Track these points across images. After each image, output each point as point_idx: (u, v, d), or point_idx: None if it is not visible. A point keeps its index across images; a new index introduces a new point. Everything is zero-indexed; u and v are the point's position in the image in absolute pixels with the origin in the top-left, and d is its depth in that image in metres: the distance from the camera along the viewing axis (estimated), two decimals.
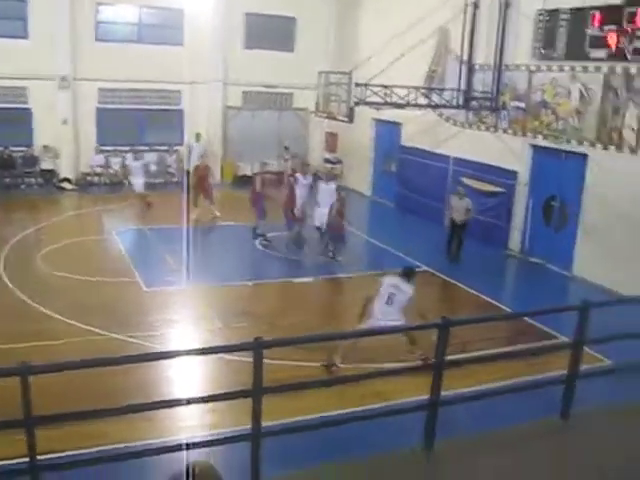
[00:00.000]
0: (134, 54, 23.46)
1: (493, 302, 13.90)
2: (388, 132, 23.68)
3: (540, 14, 16.74)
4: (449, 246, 16.81)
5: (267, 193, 17.87)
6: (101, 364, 6.86)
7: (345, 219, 16.45)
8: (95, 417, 6.54)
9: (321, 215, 16.88)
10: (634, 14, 14.32)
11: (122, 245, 16.93)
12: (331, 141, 27.32)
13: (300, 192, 17.40)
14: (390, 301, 9.77)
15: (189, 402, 6.73)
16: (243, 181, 24.95)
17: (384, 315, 9.70)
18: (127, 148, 24.48)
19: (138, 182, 20.67)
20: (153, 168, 24.90)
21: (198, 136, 24.59)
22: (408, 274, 10.15)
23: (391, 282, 9.99)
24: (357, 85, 16.52)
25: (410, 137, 22.26)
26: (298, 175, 17.77)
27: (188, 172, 20.65)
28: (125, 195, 21.74)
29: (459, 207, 16.48)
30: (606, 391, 8.80)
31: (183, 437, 7.45)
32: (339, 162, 26.72)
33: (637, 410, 8.18)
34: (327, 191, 17.09)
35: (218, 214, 19.98)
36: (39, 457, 5.57)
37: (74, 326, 11.46)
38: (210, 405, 8.04)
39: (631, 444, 7.13)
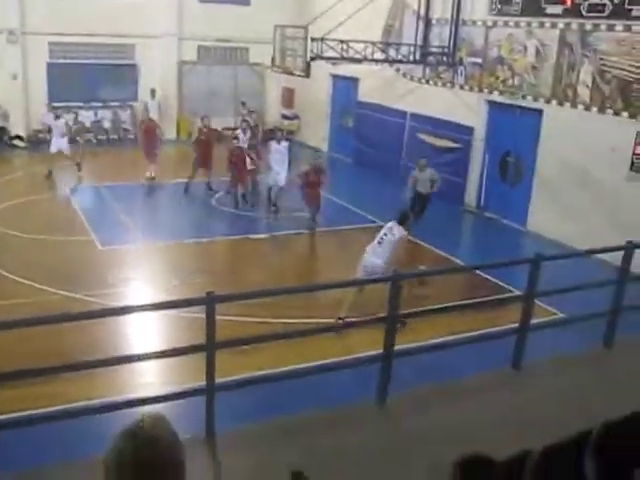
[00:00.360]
0: (86, 6, 22.71)
1: (448, 257, 14.02)
2: (345, 87, 23.54)
3: None
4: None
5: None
6: (54, 321, 6.81)
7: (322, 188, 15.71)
8: (49, 374, 6.52)
9: (274, 176, 16.51)
10: None
11: (76, 204, 16.67)
12: (288, 97, 27.03)
13: (275, 158, 16.61)
14: (381, 240, 10.25)
15: (143, 358, 6.72)
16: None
17: (372, 251, 10.25)
18: (80, 104, 24.02)
19: (58, 142, 19.30)
20: (107, 125, 24.52)
21: (153, 92, 24.12)
22: (401, 218, 10.54)
23: (388, 225, 10.49)
24: (313, 40, 16.34)
25: (367, 93, 22.16)
26: (272, 142, 17.03)
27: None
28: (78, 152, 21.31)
29: (423, 179, 15.72)
30: (556, 342, 9.00)
31: (138, 394, 7.47)
32: (296, 118, 26.53)
33: (583, 359, 8.45)
34: (279, 151, 16.67)
35: (153, 175, 18.88)
36: None
37: (27, 285, 11.27)
38: (165, 361, 8.05)
39: (577, 392, 7.36)
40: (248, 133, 18.18)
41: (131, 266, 12.98)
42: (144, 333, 9.83)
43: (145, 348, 8.48)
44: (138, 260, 13.37)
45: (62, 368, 6.25)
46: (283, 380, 7.12)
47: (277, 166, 16.44)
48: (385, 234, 10.33)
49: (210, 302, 5.94)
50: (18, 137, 23.23)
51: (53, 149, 19.21)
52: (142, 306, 7.16)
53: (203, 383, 6.25)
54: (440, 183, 15.72)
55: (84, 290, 11.12)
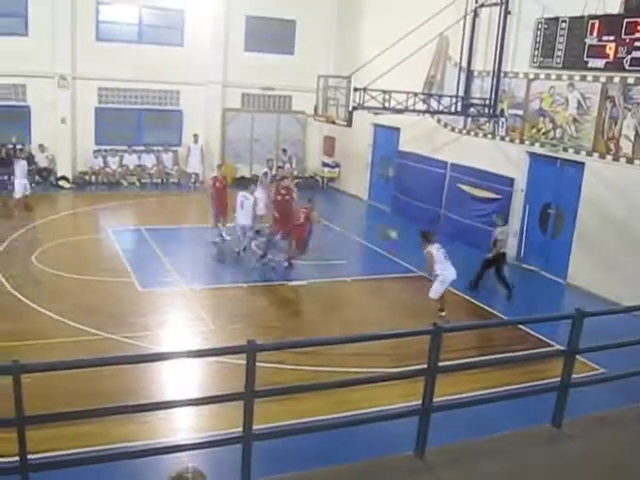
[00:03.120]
0: (134, 54, 23.40)
1: (487, 309, 13.91)
2: (386, 137, 23.68)
3: (539, 22, 16.76)
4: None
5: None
6: (94, 365, 6.84)
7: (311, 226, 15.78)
8: (87, 417, 6.48)
9: None
10: (632, 24, 14.37)
11: (118, 244, 16.91)
12: (329, 145, 27.32)
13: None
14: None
15: (181, 404, 6.69)
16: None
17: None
18: (125, 147, 24.55)
19: (20, 184, 19.21)
20: (151, 169, 24.90)
21: (196, 137, 24.65)
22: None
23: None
24: (356, 90, 16.50)
25: (408, 142, 22.27)
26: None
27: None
28: (121, 194, 21.68)
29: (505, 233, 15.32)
30: (598, 399, 8.79)
31: (176, 439, 7.44)
32: (337, 166, 26.75)
33: (626, 417, 8.22)
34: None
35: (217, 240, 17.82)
36: (30, 457, 5.54)
37: (69, 325, 11.42)
38: (204, 408, 8.03)
39: (620, 451, 7.15)
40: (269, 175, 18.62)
41: (170, 308, 13.07)
42: (181, 377, 9.82)
43: (182, 393, 8.48)
44: (176, 303, 13.45)
45: (104, 410, 6.24)
46: (321, 430, 7.03)
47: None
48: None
49: (251, 350, 5.92)
50: (64, 178, 23.74)
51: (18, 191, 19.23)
52: (184, 352, 7.13)
53: (240, 430, 6.20)
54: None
55: (123, 332, 11.22)
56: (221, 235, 17.49)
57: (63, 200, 22.51)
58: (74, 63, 23.20)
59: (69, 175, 23.85)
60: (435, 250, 12.63)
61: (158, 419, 8.07)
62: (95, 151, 24.23)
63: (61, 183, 23.60)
